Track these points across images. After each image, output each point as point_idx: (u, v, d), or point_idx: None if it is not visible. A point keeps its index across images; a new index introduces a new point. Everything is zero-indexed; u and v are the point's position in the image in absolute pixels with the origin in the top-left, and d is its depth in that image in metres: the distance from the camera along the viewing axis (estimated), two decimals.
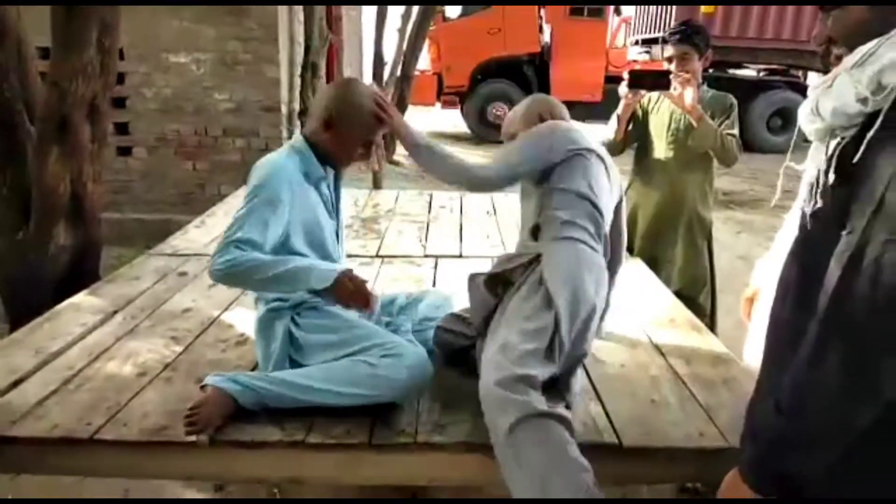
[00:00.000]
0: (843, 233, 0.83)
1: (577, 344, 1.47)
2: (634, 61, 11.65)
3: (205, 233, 3.14)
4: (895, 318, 0.77)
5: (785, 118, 11.06)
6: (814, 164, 0.95)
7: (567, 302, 1.42)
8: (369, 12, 9.60)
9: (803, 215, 0.96)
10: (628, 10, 12.59)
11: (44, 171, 2.67)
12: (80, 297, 2.28)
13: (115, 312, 2.14)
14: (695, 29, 2.57)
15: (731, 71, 11.31)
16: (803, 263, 0.95)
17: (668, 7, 10.64)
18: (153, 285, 2.41)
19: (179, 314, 2.16)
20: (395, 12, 9.36)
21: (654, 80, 2.56)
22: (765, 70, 11.71)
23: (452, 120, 12.99)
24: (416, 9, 8.61)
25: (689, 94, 2.45)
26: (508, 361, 1.34)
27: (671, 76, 2.51)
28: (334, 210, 1.74)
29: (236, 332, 2.02)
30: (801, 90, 11.24)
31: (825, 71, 1.03)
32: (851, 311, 0.80)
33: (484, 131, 11.28)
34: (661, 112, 2.70)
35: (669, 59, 2.58)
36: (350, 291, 1.53)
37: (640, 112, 2.75)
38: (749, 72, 11.77)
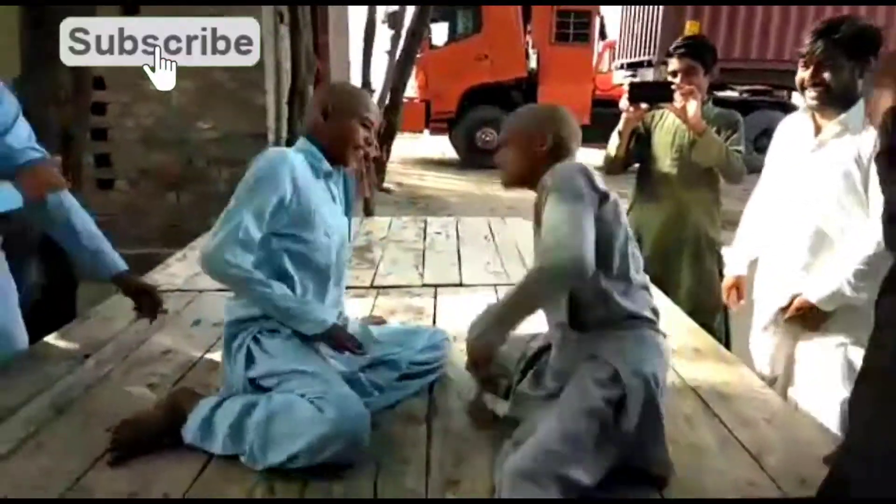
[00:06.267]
0: None
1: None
2: (620, 85, 11.72)
3: (187, 266, 2.96)
4: None
5: (771, 137, 11.07)
6: None
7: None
8: (356, 40, 9.57)
9: None
10: (613, 35, 12.72)
11: None
12: (51, 339, 2.08)
13: (87, 357, 1.95)
14: (702, 42, 2.48)
15: (716, 92, 11.38)
16: None
17: (652, 30, 10.72)
18: (130, 325, 2.22)
19: (158, 357, 1.97)
20: (382, 40, 9.35)
21: (655, 91, 2.45)
22: (748, 91, 11.79)
23: (441, 147, 12.95)
24: (403, 36, 8.57)
25: (693, 107, 2.34)
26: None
27: (674, 87, 2.40)
28: (345, 209, 1.74)
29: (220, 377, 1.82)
30: (787, 109, 11.33)
31: None
32: None
33: (472, 157, 11.23)
34: (666, 129, 2.59)
35: (674, 73, 2.47)
36: (341, 340, 1.57)
37: (642, 130, 2.63)
38: (732, 93, 11.84)
